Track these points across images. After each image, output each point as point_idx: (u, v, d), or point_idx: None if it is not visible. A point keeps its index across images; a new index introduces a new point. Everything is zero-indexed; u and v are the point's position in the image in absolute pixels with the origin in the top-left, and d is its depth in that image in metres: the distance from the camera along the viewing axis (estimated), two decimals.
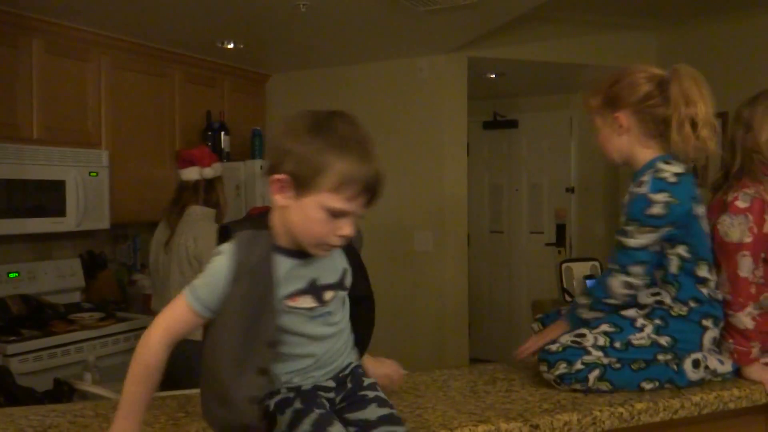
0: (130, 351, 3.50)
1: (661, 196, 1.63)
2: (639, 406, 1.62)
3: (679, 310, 1.71)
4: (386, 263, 4.37)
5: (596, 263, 2.98)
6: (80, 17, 3.45)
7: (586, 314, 1.75)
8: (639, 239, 1.65)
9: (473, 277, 5.28)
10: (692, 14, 4.18)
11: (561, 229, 5.85)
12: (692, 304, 1.71)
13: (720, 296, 1.75)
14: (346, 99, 4.66)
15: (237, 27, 3.74)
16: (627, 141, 1.76)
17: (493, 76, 4.99)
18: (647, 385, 1.70)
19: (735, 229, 1.78)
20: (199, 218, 3.05)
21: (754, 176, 1.85)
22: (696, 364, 1.72)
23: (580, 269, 2.93)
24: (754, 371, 1.80)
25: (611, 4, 4.06)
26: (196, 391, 1.93)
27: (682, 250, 1.69)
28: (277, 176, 1.19)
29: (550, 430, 1.53)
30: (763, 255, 1.81)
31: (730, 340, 1.79)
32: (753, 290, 1.77)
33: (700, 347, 1.72)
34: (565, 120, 5.82)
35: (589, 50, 4.53)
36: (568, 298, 2.87)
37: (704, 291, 1.72)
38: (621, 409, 1.61)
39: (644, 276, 1.68)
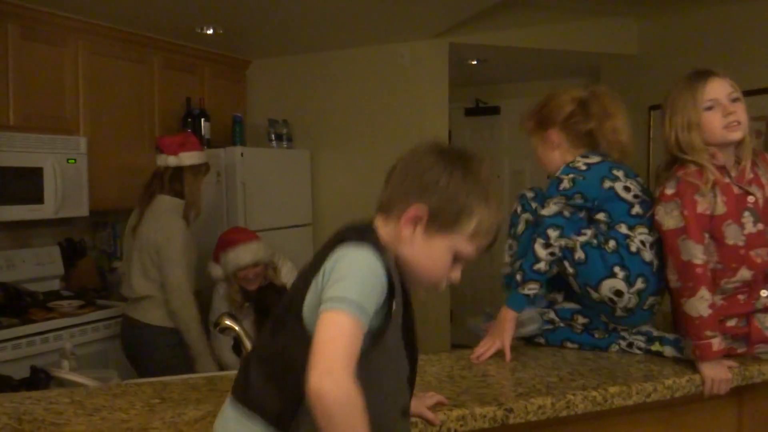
0: (110, 338, 3.49)
1: (569, 176, 1.95)
2: (612, 389, 1.65)
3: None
4: None
5: None
6: (57, 2, 3.40)
7: (524, 290, 1.92)
8: (552, 208, 1.94)
9: None
10: (673, 1, 4.19)
11: None
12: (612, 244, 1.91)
13: (645, 255, 1.88)
14: (328, 85, 4.65)
15: (216, 12, 3.70)
16: (559, 154, 2.05)
17: (475, 62, 4.98)
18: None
19: (668, 216, 1.81)
20: (164, 209, 3.04)
21: (681, 161, 1.86)
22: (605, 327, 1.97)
23: None
24: (709, 367, 1.74)
25: None
26: (172, 377, 1.94)
27: (602, 215, 1.96)
28: (416, 206, 1.11)
29: (524, 413, 1.55)
30: (708, 236, 1.80)
31: (687, 339, 1.77)
32: (702, 272, 1.74)
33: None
34: None
35: (571, 36, 4.53)
36: None
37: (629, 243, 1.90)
38: (594, 393, 1.62)
39: (558, 238, 1.91)
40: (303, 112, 4.71)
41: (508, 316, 1.91)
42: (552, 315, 2.03)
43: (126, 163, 3.89)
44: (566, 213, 1.94)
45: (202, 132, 4.21)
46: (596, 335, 1.99)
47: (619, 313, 1.90)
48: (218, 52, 4.54)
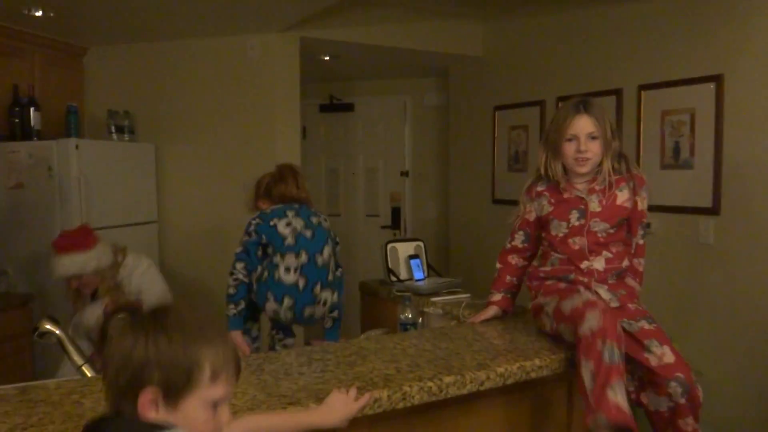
0: None
1: (255, 221, 2.86)
2: (447, 379, 1.67)
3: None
4: (217, 253, 4.18)
5: (420, 243, 3.05)
6: None
7: (227, 311, 2.84)
8: (239, 247, 2.86)
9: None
10: (516, 6, 4.38)
11: (396, 212, 5.96)
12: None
13: (288, 278, 2.78)
14: (173, 76, 4.44)
15: None
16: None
17: (328, 58, 4.95)
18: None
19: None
20: None
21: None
22: None
23: (405, 249, 2.98)
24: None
25: None
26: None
27: (269, 249, 2.80)
28: (143, 392, 1.03)
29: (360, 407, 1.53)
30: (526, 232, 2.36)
31: None
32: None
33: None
34: (399, 104, 5.93)
35: (419, 36, 4.62)
36: (392, 278, 2.92)
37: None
38: (430, 383, 1.64)
39: (243, 269, 2.83)
40: (147, 104, 4.46)
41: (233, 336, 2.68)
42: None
43: None
44: (250, 249, 2.83)
45: (32, 122, 3.88)
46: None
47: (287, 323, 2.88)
48: (50, 37, 4.20)
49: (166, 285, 3.03)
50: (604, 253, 2.15)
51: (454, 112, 5.31)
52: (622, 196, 2.17)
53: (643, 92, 3.89)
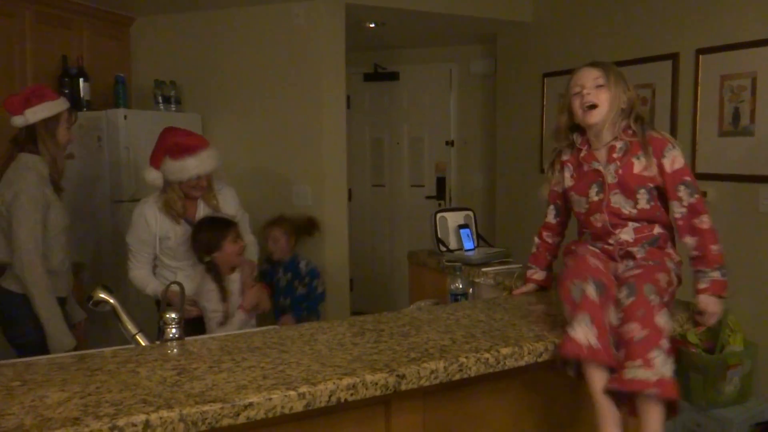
0: None
1: None
2: (504, 351, 1.63)
3: None
4: (265, 218, 4.20)
5: (470, 213, 2.99)
6: None
7: None
8: None
9: (355, 231, 5.24)
10: None
11: (441, 182, 5.90)
12: None
13: None
14: (218, 45, 4.43)
15: None
16: None
17: (373, 25, 4.88)
18: None
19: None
20: (19, 165, 2.72)
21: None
22: None
23: (454, 219, 2.93)
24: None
25: None
26: (39, 357, 1.77)
27: None
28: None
29: (417, 378, 1.50)
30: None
31: None
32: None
33: None
34: (445, 73, 5.82)
35: (467, 1, 4.50)
36: (442, 248, 2.87)
37: None
38: (487, 355, 1.60)
39: None
40: (192, 74, 4.46)
41: None
42: None
43: None
44: None
45: (81, 93, 3.92)
46: None
47: None
48: (98, 8, 4.21)
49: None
50: (631, 223, 2.00)
51: (502, 79, 5.19)
52: (639, 165, 1.98)
53: (701, 56, 3.74)
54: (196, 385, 1.39)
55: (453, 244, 2.90)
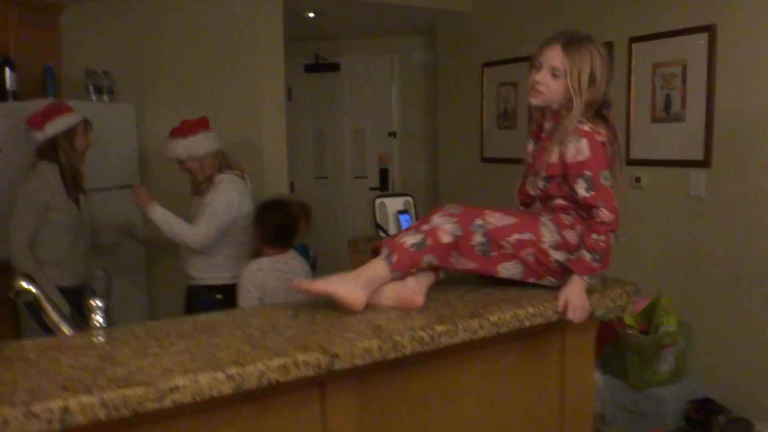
0: None
1: None
2: (439, 328, 1.62)
3: None
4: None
5: (409, 198, 2.98)
6: None
7: None
8: None
9: None
10: None
11: (384, 174, 5.90)
12: None
13: None
14: (153, 34, 4.31)
15: None
16: None
17: (313, 15, 4.83)
18: None
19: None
20: (33, 170, 3.19)
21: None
22: None
23: (394, 204, 2.91)
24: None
25: None
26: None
27: None
28: None
29: (350, 357, 1.48)
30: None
31: None
32: None
33: None
34: (386, 64, 5.82)
35: None
36: (381, 234, 2.86)
37: None
38: (422, 333, 1.59)
39: None
40: (126, 63, 4.34)
41: None
42: None
43: None
44: None
45: (7, 84, 3.76)
46: None
47: None
48: None
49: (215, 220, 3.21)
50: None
51: (442, 70, 5.22)
52: (551, 155, 1.87)
53: (633, 44, 3.82)
54: (119, 371, 1.34)
55: (392, 229, 2.89)
